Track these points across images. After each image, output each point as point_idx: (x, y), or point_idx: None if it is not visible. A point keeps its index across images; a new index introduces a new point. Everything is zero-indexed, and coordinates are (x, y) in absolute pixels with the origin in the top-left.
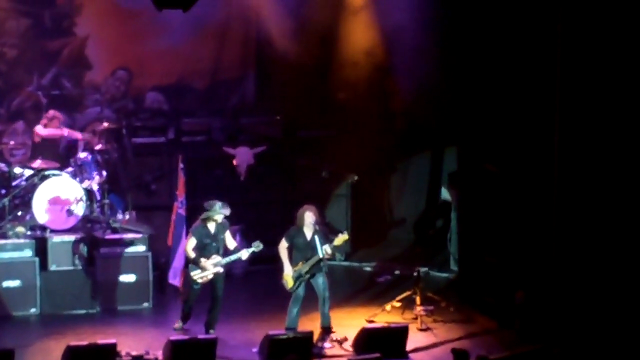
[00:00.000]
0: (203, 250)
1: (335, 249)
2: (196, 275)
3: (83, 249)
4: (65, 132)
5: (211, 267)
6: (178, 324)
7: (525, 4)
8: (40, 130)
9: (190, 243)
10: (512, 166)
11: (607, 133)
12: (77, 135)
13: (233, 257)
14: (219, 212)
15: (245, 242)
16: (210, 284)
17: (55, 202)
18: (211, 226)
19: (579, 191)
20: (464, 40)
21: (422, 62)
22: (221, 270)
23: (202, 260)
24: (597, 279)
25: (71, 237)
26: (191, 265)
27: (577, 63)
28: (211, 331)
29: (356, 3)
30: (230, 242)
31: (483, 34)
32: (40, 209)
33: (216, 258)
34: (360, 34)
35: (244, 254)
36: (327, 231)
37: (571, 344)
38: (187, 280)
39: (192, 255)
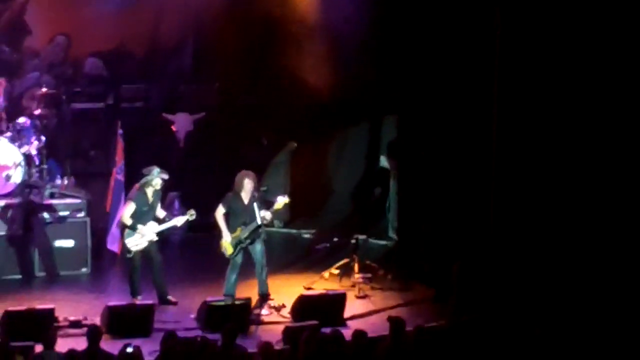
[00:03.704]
0: (140, 217)
1: (275, 213)
2: (131, 242)
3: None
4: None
5: (148, 233)
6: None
7: None
8: None
9: (129, 209)
10: (451, 136)
11: (546, 102)
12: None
13: (169, 224)
14: (157, 177)
15: (184, 209)
16: (145, 252)
17: None
18: (149, 193)
19: (517, 161)
20: (404, 8)
21: (362, 30)
22: (156, 238)
23: (139, 226)
24: (535, 250)
25: (9, 202)
26: (127, 232)
27: (516, 36)
28: (169, 298)
29: None
30: (160, 212)
31: (425, 3)
32: None
33: (153, 225)
34: (299, 2)
35: (179, 221)
36: (263, 198)
37: (506, 314)
38: (124, 251)
39: (129, 222)
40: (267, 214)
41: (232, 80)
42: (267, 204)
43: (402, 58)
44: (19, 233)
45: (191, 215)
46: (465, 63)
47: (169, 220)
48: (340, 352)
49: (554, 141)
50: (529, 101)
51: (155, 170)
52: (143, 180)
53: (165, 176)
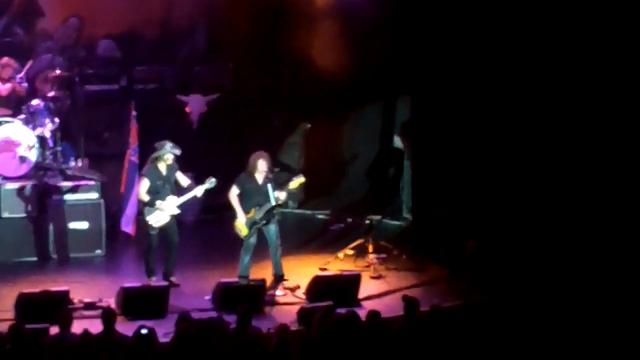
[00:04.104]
0: (156, 193)
1: (290, 192)
2: (152, 219)
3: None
4: (21, 75)
5: (168, 208)
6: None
7: None
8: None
9: (144, 185)
10: (464, 114)
11: (562, 79)
12: (27, 65)
13: (188, 196)
14: (170, 152)
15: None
16: (165, 230)
17: (7, 149)
18: (162, 167)
19: (531, 139)
20: None
21: (375, 10)
22: (177, 211)
23: (158, 202)
24: (549, 228)
25: (23, 185)
26: (147, 209)
27: (531, 13)
28: (172, 279)
29: None
30: (184, 180)
31: None
32: None
33: (173, 199)
34: None
35: (199, 191)
36: (277, 179)
37: (521, 294)
38: (144, 228)
39: (146, 198)
40: (282, 194)
41: (245, 61)
42: (281, 184)
43: (415, 37)
44: (33, 215)
45: (211, 182)
46: (478, 41)
47: (190, 190)
48: (355, 333)
49: (571, 119)
50: (544, 78)
51: (168, 145)
52: (154, 155)
53: (177, 151)
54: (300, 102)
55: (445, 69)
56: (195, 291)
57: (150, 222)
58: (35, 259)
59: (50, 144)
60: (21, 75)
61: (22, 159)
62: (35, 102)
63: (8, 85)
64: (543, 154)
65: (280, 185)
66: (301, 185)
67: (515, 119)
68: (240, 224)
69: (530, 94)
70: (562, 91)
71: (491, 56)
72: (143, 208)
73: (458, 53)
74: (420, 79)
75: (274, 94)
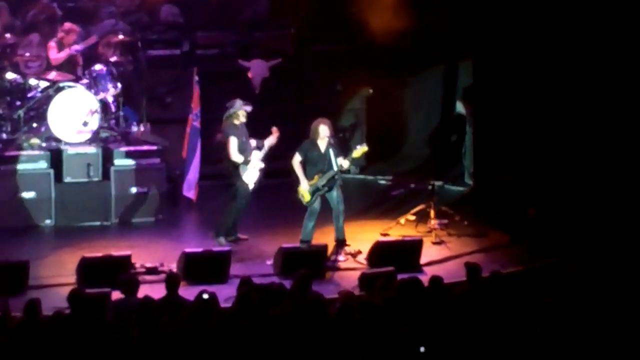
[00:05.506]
0: (244, 150)
1: (352, 161)
2: (249, 177)
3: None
4: (79, 47)
5: (257, 162)
6: (222, 240)
7: None
8: (54, 55)
9: (234, 144)
10: (526, 80)
11: (623, 44)
12: (91, 40)
13: (267, 147)
14: (241, 109)
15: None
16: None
17: (70, 113)
18: (238, 124)
19: (593, 106)
20: None
21: None
22: (263, 165)
23: (249, 159)
24: (610, 194)
25: (86, 149)
26: (242, 167)
27: None
28: (239, 235)
29: None
30: (251, 141)
31: None
32: (55, 121)
33: (256, 153)
34: None
35: (270, 141)
36: (339, 144)
37: (583, 260)
38: (239, 189)
39: (240, 158)
40: (345, 162)
41: (307, 26)
42: (344, 151)
43: (477, 1)
44: (96, 180)
45: (276, 131)
46: (542, 4)
47: (265, 145)
48: (417, 298)
49: (636, 84)
50: (607, 43)
51: (238, 102)
52: (227, 113)
53: (249, 108)
54: (361, 67)
55: (508, 33)
56: (257, 255)
57: (247, 181)
58: (97, 223)
59: (113, 108)
60: (80, 47)
61: (85, 124)
62: (97, 67)
63: (62, 54)
64: (609, 118)
65: (343, 151)
66: (364, 153)
67: (578, 84)
68: (303, 190)
69: (595, 56)
70: (627, 53)
71: (556, 19)
72: (236, 169)
73: (521, 16)
74: (483, 43)
75: (335, 59)
